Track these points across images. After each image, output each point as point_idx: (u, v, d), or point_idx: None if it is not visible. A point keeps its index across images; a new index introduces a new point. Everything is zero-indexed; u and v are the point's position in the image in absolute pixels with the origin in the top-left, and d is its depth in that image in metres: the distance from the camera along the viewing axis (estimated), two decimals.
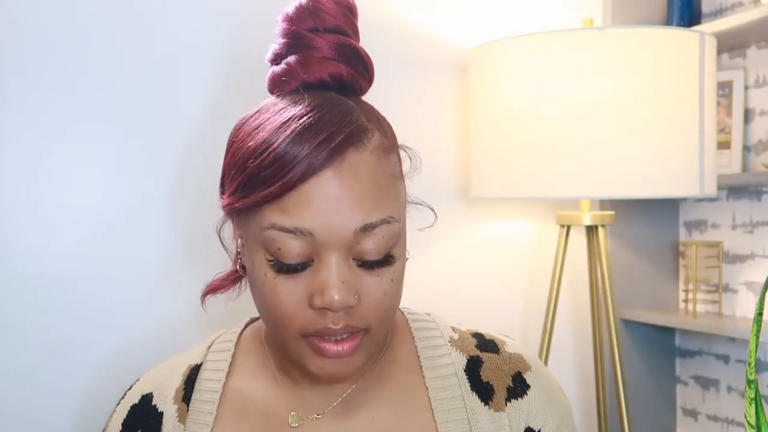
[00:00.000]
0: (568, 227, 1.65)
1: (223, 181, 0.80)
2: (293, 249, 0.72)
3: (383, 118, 0.80)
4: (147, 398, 0.86)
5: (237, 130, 0.78)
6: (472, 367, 0.84)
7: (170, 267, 1.45)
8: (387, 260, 0.74)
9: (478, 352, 0.86)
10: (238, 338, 0.89)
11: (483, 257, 1.76)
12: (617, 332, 1.62)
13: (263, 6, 1.54)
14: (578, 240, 1.83)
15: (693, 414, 1.98)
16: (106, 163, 1.41)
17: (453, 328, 0.89)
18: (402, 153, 0.81)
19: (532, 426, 0.83)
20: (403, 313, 0.90)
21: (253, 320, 0.93)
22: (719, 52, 1.87)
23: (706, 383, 1.95)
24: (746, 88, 1.86)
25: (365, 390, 0.83)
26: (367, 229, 0.72)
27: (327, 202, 0.71)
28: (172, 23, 1.45)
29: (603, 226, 1.63)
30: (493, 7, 1.75)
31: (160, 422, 0.84)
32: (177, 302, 1.46)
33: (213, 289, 0.89)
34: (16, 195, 1.36)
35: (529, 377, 0.85)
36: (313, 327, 0.73)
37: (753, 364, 0.65)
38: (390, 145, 0.77)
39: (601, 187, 1.39)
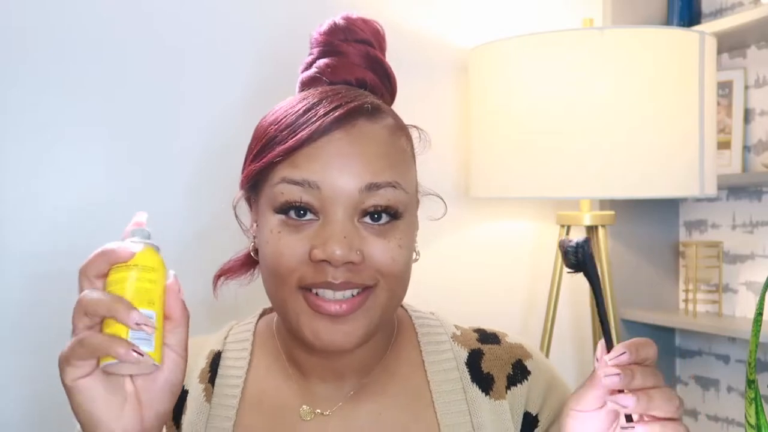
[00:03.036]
0: (568, 227, 1.65)
1: (245, 159, 0.83)
2: (299, 200, 0.75)
3: (400, 119, 0.84)
4: None
5: (262, 118, 0.83)
6: (473, 360, 0.86)
7: (172, 266, 1.45)
8: (393, 217, 0.76)
9: (479, 345, 0.88)
10: (255, 329, 0.91)
11: (483, 257, 1.76)
12: (617, 332, 1.62)
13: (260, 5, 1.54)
14: None
15: (693, 414, 1.98)
16: (106, 162, 1.42)
17: (456, 326, 0.91)
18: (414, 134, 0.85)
19: (530, 410, 0.85)
20: (407, 311, 0.91)
21: (265, 311, 0.94)
22: (719, 52, 1.87)
23: (706, 383, 1.95)
24: (746, 88, 1.86)
25: (372, 386, 0.84)
26: (372, 188, 0.75)
27: (336, 159, 0.74)
28: (175, 22, 1.45)
29: (603, 226, 1.63)
30: (493, 7, 1.75)
31: (184, 398, 0.85)
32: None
33: (225, 271, 0.90)
34: (17, 195, 1.36)
35: (529, 364, 0.87)
36: (312, 279, 0.74)
37: (753, 364, 0.65)
38: (402, 132, 0.81)
39: (601, 187, 1.39)
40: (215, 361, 0.87)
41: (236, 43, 1.51)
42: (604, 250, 1.62)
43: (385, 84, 0.85)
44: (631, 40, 1.40)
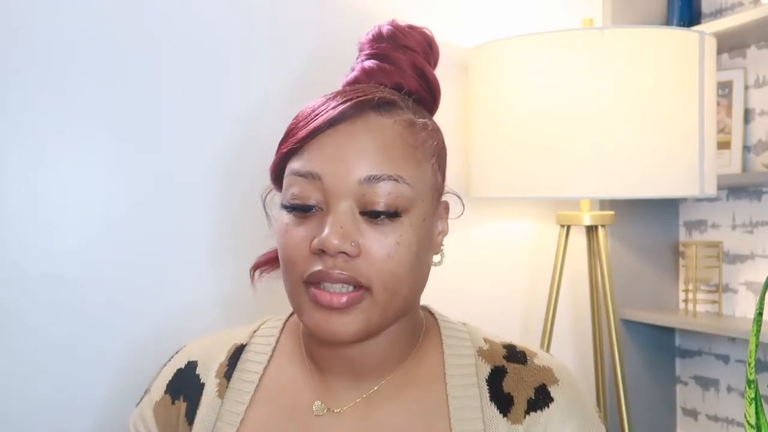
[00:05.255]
0: (568, 227, 1.65)
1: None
2: (305, 193, 0.77)
3: (433, 122, 0.85)
4: (192, 365, 0.90)
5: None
6: (495, 377, 0.84)
7: (171, 266, 1.46)
8: (391, 216, 0.76)
9: (504, 363, 0.85)
10: (284, 325, 0.92)
11: (483, 257, 1.76)
12: (617, 332, 1.62)
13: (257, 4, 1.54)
14: (578, 240, 1.83)
15: (693, 414, 1.98)
16: (106, 162, 1.41)
17: (485, 339, 0.88)
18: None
19: None
20: (437, 320, 0.90)
21: None
22: (719, 52, 1.87)
23: (706, 383, 1.95)
24: (746, 88, 1.86)
25: (389, 390, 0.83)
26: (371, 180, 0.75)
27: (337, 150, 0.76)
28: (174, 23, 1.45)
29: (603, 226, 1.63)
30: (493, 7, 1.75)
31: (200, 392, 0.87)
32: (179, 301, 1.46)
33: (261, 263, 0.92)
34: (17, 195, 1.36)
35: (554, 390, 0.83)
36: (310, 270, 0.76)
37: (753, 364, 0.65)
38: (424, 129, 0.81)
39: (601, 187, 1.39)
40: (235, 355, 0.89)
41: (237, 41, 1.51)
42: (604, 250, 1.62)
43: (425, 92, 0.86)
44: (631, 40, 1.40)
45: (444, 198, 0.87)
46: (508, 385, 0.83)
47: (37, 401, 1.36)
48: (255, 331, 0.91)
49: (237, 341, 0.90)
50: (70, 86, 1.38)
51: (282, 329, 0.91)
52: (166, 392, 0.89)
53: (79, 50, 1.39)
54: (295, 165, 0.78)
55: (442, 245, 0.87)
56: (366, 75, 0.85)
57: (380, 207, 0.76)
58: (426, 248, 0.81)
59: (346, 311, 0.76)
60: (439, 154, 0.84)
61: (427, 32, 0.89)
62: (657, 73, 1.40)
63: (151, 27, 1.44)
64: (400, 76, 0.84)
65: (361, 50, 0.88)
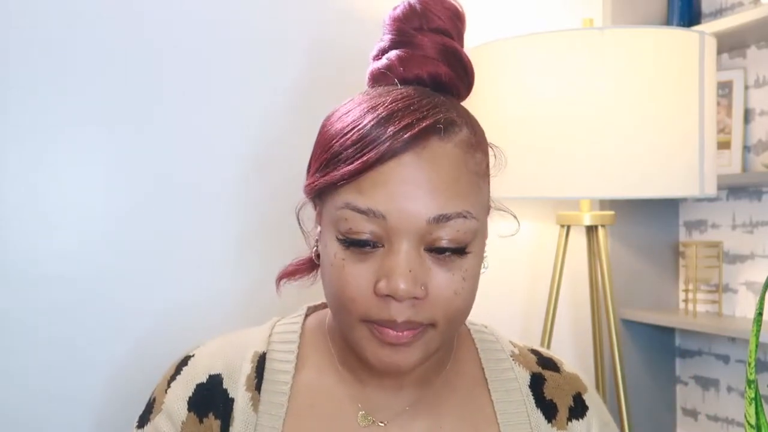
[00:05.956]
0: (568, 227, 1.65)
1: (309, 163, 0.79)
2: (364, 230, 0.71)
3: (476, 120, 0.79)
4: (216, 379, 0.82)
5: (329, 116, 0.78)
6: (536, 384, 0.85)
7: (171, 266, 1.45)
8: (459, 253, 0.72)
9: (540, 369, 0.86)
10: (301, 329, 0.87)
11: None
12: (617, 332, 1.62)
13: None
14: (578, 240, 1.83)
15: (693, 414, 1.98)
16: (106, 162, 1.41)
17: (512, 343, 0.89)
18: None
19: None
20: (465, 324, 0.89)
21: (311, 309, 0.90)
22: (719, 52, 1.87)
23: (706, 383, 1.95)
24: (746, 88, 1.86)
25: (432, 398, 0.82)
26: (440, 219, 0.70)
27: (403, 186, 0.69)
28: (174, 23, 1.45)
29: (603, 226, 1.63)
30: (492, 8, 1.75)
31: (231, 408, 0.81)
32: (179, 301, 1.46)
33: (287, 274, 0.87)
34: (17, 195, 1.36)
35: (587, 399, 0.86)
36: (376, 315, 0.71)
37: (753, 364, 0.65)
38: (477, 143, 0.76)
39: (601, 187, 1.39)
40: (261, 364, 0.83)
41: (237, 41, 1.51)
42: (604, 250, 1.62)
43: (461, 77, 0.79)
44: (631, 40, 1.40)
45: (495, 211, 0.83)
46: (549, 392, 0.85)
47: (37, 401, 1.36)
48: (269, 336, 0.86)
49: (257, 349, 0.84)
50: (70, 86, 1.38)
51: (301, 334, 0.86)
52: (189, 410, 0.81)
53: (79, 50, 1.39)
54: (351, 198, 0.71)
55: (485, 253, 0.81)
56: (401, 64, 0.77)
57: (448, 244, 0.71)
58: (479, 273, 0.78)
59: (408, 345, 0.73)
60: (488, 168, 0.79)
61: (458, 6, 0.81)
62: (657, 73, 1.40)
63: (151, 27, 1.44)
64: (435, 65, 0.77)
65: (388, 31, 0.80)
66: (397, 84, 0.77)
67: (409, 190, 0.69)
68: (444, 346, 0.78)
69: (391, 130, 0.70)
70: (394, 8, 0.80)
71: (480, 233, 0.75)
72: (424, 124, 0.70)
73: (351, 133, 0.72)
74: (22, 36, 1.35)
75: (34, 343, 1.36)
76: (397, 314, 0.70)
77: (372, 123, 0.71)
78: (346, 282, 0.72)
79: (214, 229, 1.49)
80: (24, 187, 1.36)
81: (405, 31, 0.78)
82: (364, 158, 0.70)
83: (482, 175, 0.76)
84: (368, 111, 0.73)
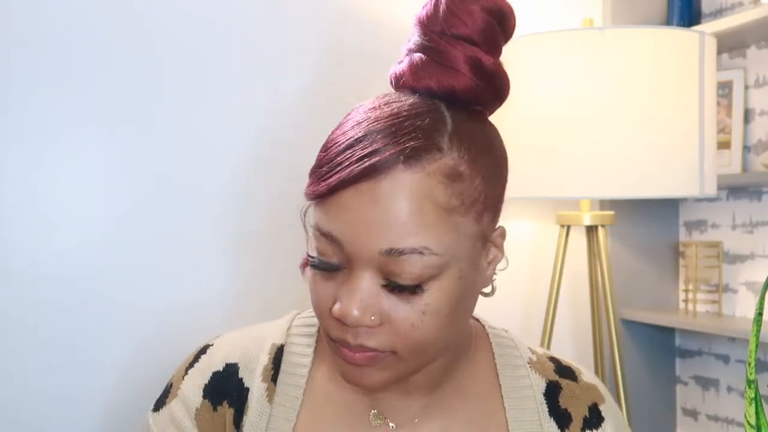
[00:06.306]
0: (568, 227, 1.65)
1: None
2: (327, 251, 0.70)
3: (484, 146, 0.73)
4: (232, 369, 0.83)
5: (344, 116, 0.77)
6: (552, 392, 0.84)
7: (171, 266, 1.45)
8: (415, 290, 0.69)
9: (557, 378, 0.85)
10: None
11: None
12: (617, 332, 1.62)
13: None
14: (578, 240, 1.83)
15: (693, 414, 1.98)
16: (106, 162, 1.41)
17: (530, 349, 0.88)
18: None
19: None
20: (484, 327, 0.88)
21: None
22: (719, 52, 1.87)
23: (706, 383, 1.95)
24: (746, 88, 1.86)
25: (444, 402, 0.82)
26: (393, 253, 0.67)
27: (358, 215, 0.67)
28: (174, 23, 1.45)
29: (603, 226, 1.63)
30: None
31: (246, 398, 0.82)
32: (179, 300, 1.46)
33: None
34: (17, 195, 1.36)
35: (603, 410, 0.85)
36: (335, 334, 0.72)
37: (753, 364, 0.65)
38: (466, 173, 0.69)
39: (601, 187, 1.39)
40: (278, 356, 0.83)
41: (238, 41, 1.51)
42: (604, 250, 1.62)
43: (482, 90, 0.73)
44: (631, 40, 1.40)
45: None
46: (564, 402, 0.84)
47: (37, 401, 1.36)
48: (288, 329, 0.86)
49: (275, 341, 0.85)
50: (70, 86, 1.38)
51: (319, 328, 0.85)
52: (204, 398, 0.82)
53: (79, 50, 1.39)
54: (319, 218, 0.70)
55: (495, 274, 0.78)
56: (412, 74, 0.73)
57: (403, 281, 0.68)
58: (468, 297, 0.74)
59: (368, 366, 0.72)
60: (489, 189, 0.72)
61: (497, 6, 0.76)
62: (657, 73, 1.40)
63: (151, 27, 1.44)
64: (452, 76, 0.72)
65: (415, 30, 0.76)
66: (408, 92, 0.74)
67: (363, 220, 0.67)
68: (419, 368, 0.75)
69: (357, 154, 0.67)
70: (423, 6, 0.75)
71: (451, 267, 0.70)
72: (389, 152, 0.67)
73: (332, 148, 0.71)
74: (22, 36, 1.35)
75: (34, 343, 1.36)
76: (350, 338, 0.70)
77: (345, 143, 0.69)
78: (316, 297, 0.73)
79: (214, 229, 1.49)
80: (24, 187, 1.36)
81: (427, 35, 0.74)
82: (329, 181, 0.68)
83: (465, 206, 0.70)
84: (353, 126, 0.71)
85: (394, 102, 0.72)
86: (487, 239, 0.74)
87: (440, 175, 0.68)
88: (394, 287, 0.69)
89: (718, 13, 1.92)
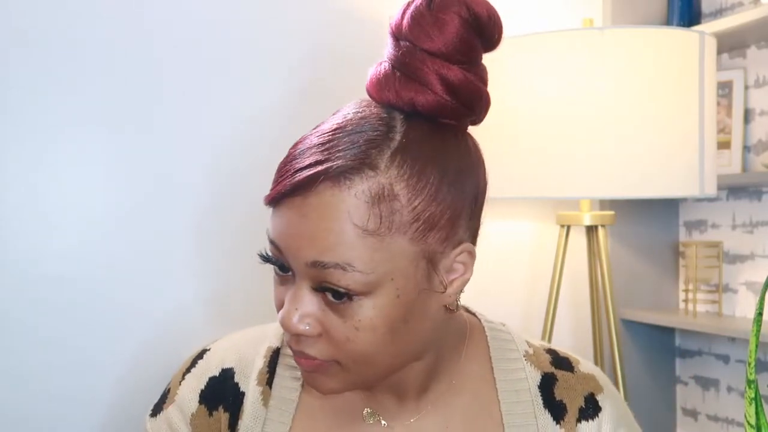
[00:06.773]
0: (568, 227, 1.65)
1: None
2: (275, 254, 0.72)
3: (435, 164, 0.70)
4: (228, 373, 0.84)
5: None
6: (547, 384, 0.84)
7: (171, 266, 1.45)
8: (346, 303, 0.68)
9: (552, 369, 0.85)
10: None
11: (483, 257, 1.76)
12: (617, 332, 1.62)
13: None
14: (578, 240, 1.83)
15: (693, 414, 1.98)
16: (106, 162, 1.41)
17: (528, 342, 0.88)
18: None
19: None
20: (480, 321, 0.89)
21: None
22: (719, 52, 1.87)
23: (706, 383, 1.95)
24: (746, 88, 1.86)
25: (439, 398, 0.82)
26: (317, 266, 0.67)
27: (290, 227, 0.69)
28: (174, 23, 1.45)
29: (603, 226, 1.63)
30: None
31: (241, 402, 0.82)
32: (179, 300, 1.46)
33: None
34: (17, 195, 1.36)
35: (601, 399, 0.85)
36: (286, 339, 0.74)
37: (753, 364, 0.65)
38: (400, 193, 0.68)
39: (601, 187, 1.39)
40: (273, 359, 0.84)
41: (237, 41, 1.51)
42: (604, 250, 1.62)
43: (454, 104, 0.71)
44: (631, 40, 1.40)
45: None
46: (559, 393, 0.84)
47: (37, 401, 1.36)
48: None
49: (271, 344, 0.85)
50: (70, 86, 1.38)
51: None
52: (200, 403, 0.83)
53: (78, 50, 1.39)
54: (269, 223, 0.72)
55: (460, 293, 0.77)
56: (373, 85, 0.73)
57: (329, 291, 0.69)
58: (416, 316, 0.71)
59: (317, 373, 0.73)
60: (437, 207, 0.70)
61: (470, 12, 0.71)
62: (657, 73, 1.40)
63: (150, 27, 1.44)
64: (415, 91, 0.70)
65: (389, 36, 0.74)
66: (371, 102, 0.73)
67: (293, 232, 0.68)
68: (375, 377, 0.74)
69: (295, 167, 0.69)
70: (400, 9, 0.73)
71: (385, 286, 0.68)
72: (318, 169, 0.67)
73: (285, 158, 0.72)
74: (22, 36, 1.35)
75: (34, 343, 1.36)
76: (293, 344, 0.72)
77: (291, 154, 0.71)
78: (274, 300, 0.74)
79: (214, 229, 1.49)
80: (24, 187, 1.36)
81: (396, 46, 0.72)
82: (271, 192, 0.71)
83: (385, 228, 0.67)
84: (306, 137, 0.72)
85: (350, 113, 0.72)
86: (437, 259, 0.72)
87: (366, 195, 0.67)
88: (329, 300, 0.69)
89: (718, 13, 1.92)
